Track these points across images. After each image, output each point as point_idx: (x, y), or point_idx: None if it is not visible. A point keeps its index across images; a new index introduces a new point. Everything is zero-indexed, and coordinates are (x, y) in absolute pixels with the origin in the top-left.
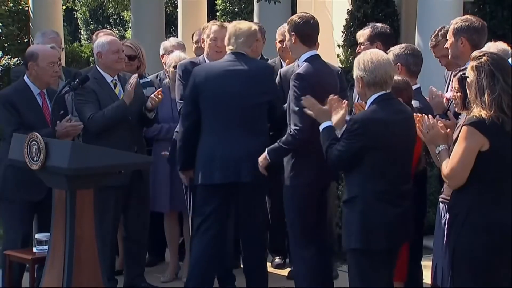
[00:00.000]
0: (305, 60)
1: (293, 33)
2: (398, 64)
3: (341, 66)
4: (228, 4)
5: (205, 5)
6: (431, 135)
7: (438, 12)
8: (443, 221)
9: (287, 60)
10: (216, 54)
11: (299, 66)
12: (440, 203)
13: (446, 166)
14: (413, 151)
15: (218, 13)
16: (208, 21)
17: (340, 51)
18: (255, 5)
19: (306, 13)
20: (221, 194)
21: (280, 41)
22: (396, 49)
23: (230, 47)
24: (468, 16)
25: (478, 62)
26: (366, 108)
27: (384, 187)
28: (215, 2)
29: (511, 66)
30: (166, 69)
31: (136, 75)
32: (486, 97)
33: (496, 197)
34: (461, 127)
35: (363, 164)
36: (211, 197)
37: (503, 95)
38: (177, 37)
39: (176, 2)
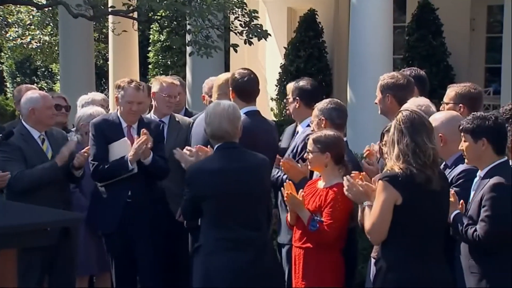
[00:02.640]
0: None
1: (230, 88)
2: (322, 118)
3: (274, 119)
4: (160, 57)
5: (136, 57)
6: (353, 194)
7: (369, 68)
8: (371, 276)
9: None
10: (130, 116)
11: None
12: (372, 258)
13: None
14: (264, 197)
15: (150, 66)
16: (140, 73)
17: (273, 104)
18: (188, 59)
19: (246, 69)
20: None
21: (209, 95)
22: (320, 104)
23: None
24: (395, 73)
25: (395, 119)
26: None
27: (223, 234)
28: (147, 54)
29: (426, 124)
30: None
31: (75, 139)
32: (396, 151)
33: (417, 251)
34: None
35: (204, 213)
36: None
37: (408, 151)
38: (108, 90)
39: (107, 54)
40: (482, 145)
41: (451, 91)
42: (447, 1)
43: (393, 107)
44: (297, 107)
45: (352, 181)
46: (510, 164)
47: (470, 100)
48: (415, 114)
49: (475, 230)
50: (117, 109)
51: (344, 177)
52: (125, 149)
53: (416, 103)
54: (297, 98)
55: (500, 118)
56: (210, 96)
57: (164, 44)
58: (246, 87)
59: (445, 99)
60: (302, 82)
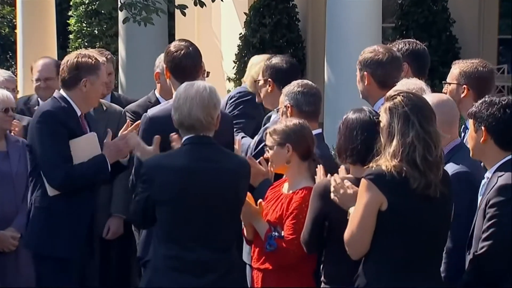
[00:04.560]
0: None
1: (165, 65)
2: (288, 104)
3: None
4: (84, 25)
5: (53, 24)
6: (340, 197)
7: (352, 39)
8: None
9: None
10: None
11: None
12: None
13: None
14: (237, 211)
15: (71, 36)
16: (59, 45)
17: (231, 86)
18: (121, 27)
19: (185, 40)
20: None
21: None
22: (287, 87)
23: None
24: (377, 47)
25: (392, 103)
26: None
27: (175, 252)
28: (68, 21)
29: (433, 110)
30: None
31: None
32: (394, 145)
33: (404, 267)
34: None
35: (157, 221)
36: None
37: (418, 144)
38: (16, 67)
39: (14, 20)
40: (482, 135)
41: (455, 68)
42: None
43: (372, 89)
44: (269, 91)
45: (341, 182)
46: None
47: (477, 81)
48: (416, 96)
49: (476, 254)
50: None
51: (333, 177)
52: (93, 147)
53: (406, 85)
54: (270, 79)
55: None
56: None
57: (90, 7)
58: (184, 63)
59: (448, 78)
60: (276, 60)
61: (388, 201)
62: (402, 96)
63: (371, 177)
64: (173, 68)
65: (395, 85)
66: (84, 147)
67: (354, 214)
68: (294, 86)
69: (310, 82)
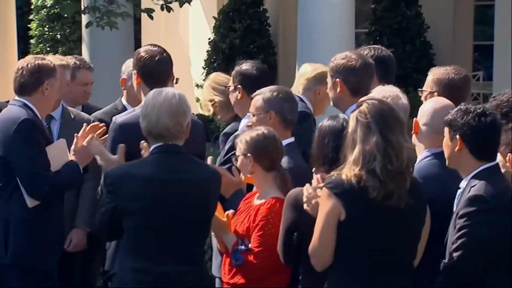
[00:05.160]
0: None
1: (135, 71)
2: (272, 112)
3: (201, 113)
4: (46, 29)
5: (14, 28)
6: (312, 208)
7: (324, 45)
8: None
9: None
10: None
11: None
12: None
13: None
14: (206, 223)
15: (32, 40)
16: (20, 50)
17: (200, 93)
18: (84, 31)
19: (155, 45)
20: None
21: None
22: (267, 93)
23: None
24: (349, 53)
25: (358, 111)
26: None
27: (142, 265)
28: (28, 25)
29: (399, 118)
30: None
31: None
32: (355, 153)
33: (369, 279)
34: None
35: (124, 233)
36: None
37: (377, 153)
38: None
39: None
40: (457, 144)
41: (430, 75)
42: None
43: (344, 97)
44: (239, 97)
45: (313, 191)
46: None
47: (450, 88)
48: (384, 104)
49: (446, 264)
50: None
51: (305, 186)
52: (63, 154)
53: (381, 93)
54: (239, 86)
55: (489, 112)
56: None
57: (52, 11)
58: (158, 70)
59: (424, 85)
60: (246, 66)
61: (346, 211)
62: (367, 103)
63: (330, 186)
64: (146, 75)
65: (368, 92)
66: (56, 155)
67: (316, 223)
68: (275, 92)
69: (287, 88)
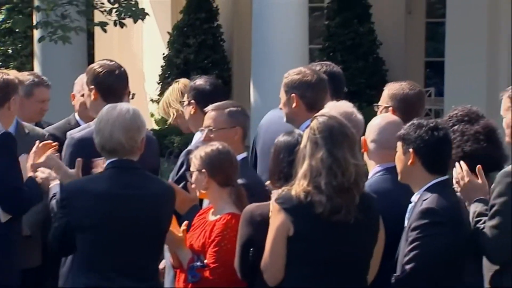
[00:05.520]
0: None
1: (92, 86)
2: (238, 127)
3: (156, 128)
4: None
5: None
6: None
7: (278, 60)
8: None
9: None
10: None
11: None
12: None
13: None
14: (160, 239)
15: None
16: None
17: (154, 108)
18: (36, 46)
19: (111, 60)
20: None
21: (81, 95)
22: (230, 107)
23: None
24: (303, 68)
25: (310, 126)
26: None
27: (96, 282)
28: None
29: (349, 134)
30: None
31: None
32: (304, 168)
33: None
34: None
35: (77, 249)
36: None
37: (322, 169)
38: None
39: None
40: (410, 158)
41: (385, 90)
42: None
43: (300, 112)
44: (192, 112)
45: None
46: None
47: (404, 103)
48: (334, 120)
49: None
50: None
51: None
52: (24, 169)
53: (334, 108)
54: (193, 101)
55: (441, 127)
56: (83, 96)
57: (3, 25)
58: (116, 85)
59: (380, 100)
60: (200, 81)
61: (294, 226)
62: (317, 120)
63: (280, 201)
64: (104, 90)
65: (322, 107)
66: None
67: (267, 239)
68: (238, 107)
69: (237, 103)
